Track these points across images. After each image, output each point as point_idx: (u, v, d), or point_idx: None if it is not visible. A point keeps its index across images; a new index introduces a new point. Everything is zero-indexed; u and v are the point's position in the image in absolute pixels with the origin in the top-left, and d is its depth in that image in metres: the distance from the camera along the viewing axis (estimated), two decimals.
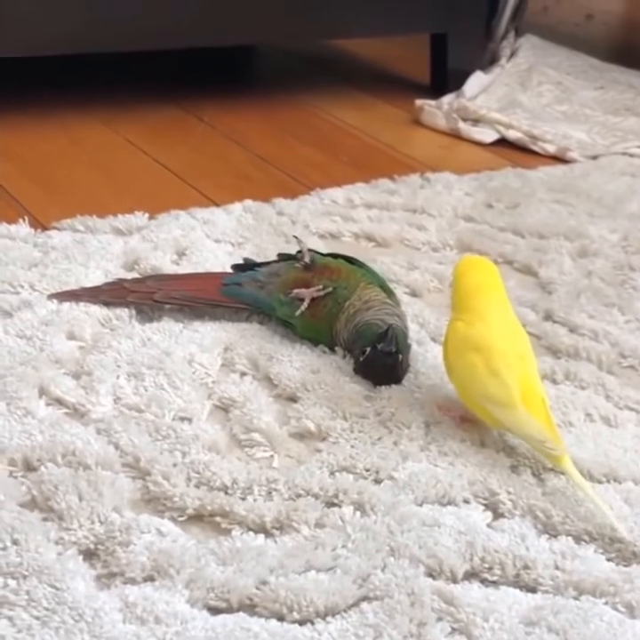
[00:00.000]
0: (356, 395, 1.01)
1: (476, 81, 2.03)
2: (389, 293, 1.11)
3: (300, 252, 1.15)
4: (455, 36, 2.02)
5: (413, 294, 1.25)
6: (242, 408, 0.98)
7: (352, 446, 0.94)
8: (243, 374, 1.05)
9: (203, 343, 1.07)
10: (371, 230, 1.39)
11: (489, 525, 0.87)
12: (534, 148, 1.81)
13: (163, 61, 2.06)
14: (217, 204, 1.44)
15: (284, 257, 1.16)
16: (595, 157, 1.79)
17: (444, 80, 2.04)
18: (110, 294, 1.15)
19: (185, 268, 1.23)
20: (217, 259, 1.26)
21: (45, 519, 0.82)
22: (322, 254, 1.16)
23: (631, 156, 1.80)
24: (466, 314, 0.96)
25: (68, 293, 1.15)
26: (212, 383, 1.02)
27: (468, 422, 0.98)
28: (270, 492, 0.87)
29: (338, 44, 2.29)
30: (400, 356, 1.02)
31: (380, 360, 1.01)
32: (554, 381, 1.08)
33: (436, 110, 1.89)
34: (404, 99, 1.97)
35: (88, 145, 1.65)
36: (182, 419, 0.96)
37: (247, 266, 1.20)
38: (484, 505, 0.89)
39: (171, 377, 1.01)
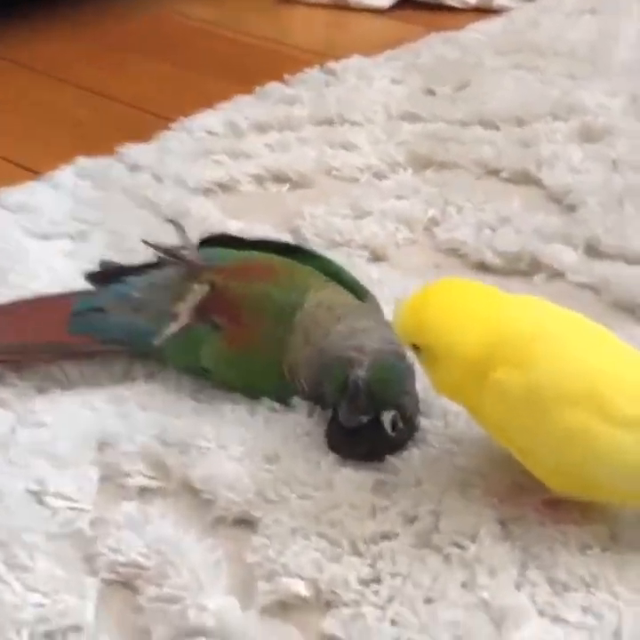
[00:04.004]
0: (358, 488, 0.55)
1: None
2: (362, 294, 0.65)
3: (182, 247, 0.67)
4: None
5: (376, 258, 0.79)
6: (159, 581, 0.50)
7: (392, 621, 0.48)
8: (143, 492, 0.57)
9: (56, 450, 0.59)
10: (277, 165, 0.91)
11: None
12: (450, 2, 1.35)
13: None
14: (36, 173, 0.93)
15: (170, 253, 0.67)
16: None
17: None
18: None
19: (1, 296, 0.73)
20: (50, 270, 0.77)
21: None
22: (238, 244, 0.68)
23: None
24: (491, 358, 0.51)
25: None
26: (90, 528, 0.55)
27: (559, 508, 0.53)
28: None
29: None
30: (389, 416, 0.56)
31: (353, 436, 0.57)
32: None
33: None
34: None
35: None
36: (48, 638, 0.49)
37: (110, 273, 0.71)
38: None
39: (9, 547, 0.52)
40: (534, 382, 0.49)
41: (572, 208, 0.83)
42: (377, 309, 0.63)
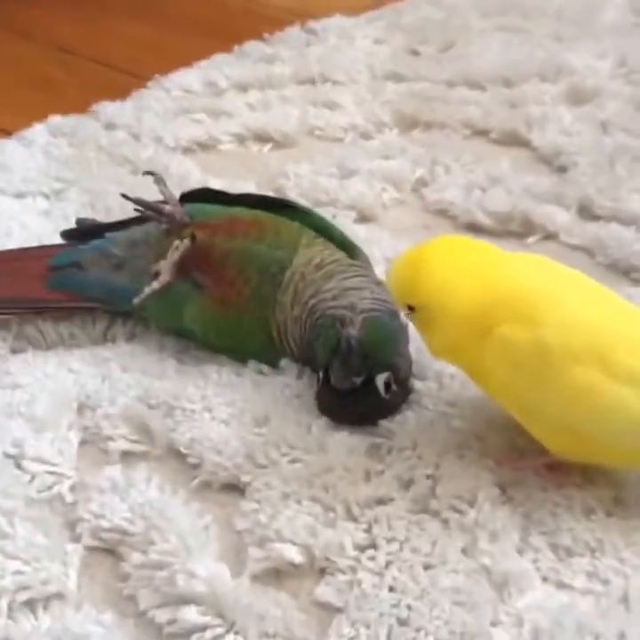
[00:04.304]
0: (351, 452, 0.53)
1: None
2: (352, 250, 0.62)
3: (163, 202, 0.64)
4: None
5: (363, 218, 0.76)
6: (144, 547, 0.48)
7: (390, 587, 0.46)
8: (126, 456, 0.55)
9: (33, 412, 0.56)
10: (259, 125, 0.88)
11: None
12: None
13: None
14: (8, 133, 0.90)
15: (151, 207, 0.64)
16: None
17: None
18: None
19: None
20: (25, 228, 0.73)
21: None
22: (222, 199, 0.65)
23: None
24: (491, 316, 0.49)
25: None
26: (71, 493, 0.52)
27: (560, 471, 0.51)
28: None
29: None
30: (383, 377, 0.54)
31: (345, 399, 0.54)
32: None
33: None
34: None
35: None
36: (29, 606, 0.47)
37: (87, 231, 0.68)
38: None
39: None
40: (541, 339, 0.47)
41: (563, 169, 0.81)
42: (368, 267, 0.61)
